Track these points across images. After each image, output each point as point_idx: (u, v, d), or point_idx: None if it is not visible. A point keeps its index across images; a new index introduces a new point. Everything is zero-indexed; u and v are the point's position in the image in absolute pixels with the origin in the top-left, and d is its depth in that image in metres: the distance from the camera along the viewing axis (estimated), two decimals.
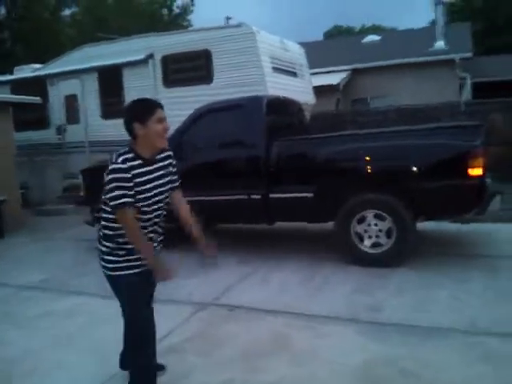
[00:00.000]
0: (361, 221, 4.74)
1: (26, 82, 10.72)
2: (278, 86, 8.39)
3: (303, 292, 4.22)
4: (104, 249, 2.51)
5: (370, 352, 3.04)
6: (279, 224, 5.62)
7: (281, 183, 5.04)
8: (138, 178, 2.37)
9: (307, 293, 4.19)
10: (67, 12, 27.50)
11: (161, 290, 4.39)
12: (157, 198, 2.46)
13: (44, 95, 10.21)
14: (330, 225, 5.02)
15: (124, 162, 2.34)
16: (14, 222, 7.77)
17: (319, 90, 12.70)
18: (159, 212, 2.52)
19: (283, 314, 3.75)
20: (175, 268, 2.53)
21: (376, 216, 4.68)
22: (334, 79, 14.56)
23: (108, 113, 9.76)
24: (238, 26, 8.58)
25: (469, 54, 15.37)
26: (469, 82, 16.28)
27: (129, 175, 2.33)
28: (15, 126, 10.42)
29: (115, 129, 9.50)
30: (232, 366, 2.99)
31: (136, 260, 2.46)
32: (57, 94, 10.34)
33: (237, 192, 5.17)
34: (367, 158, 4.65)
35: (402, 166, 4.59)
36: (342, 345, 3.18)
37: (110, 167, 2.35)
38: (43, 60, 11.84)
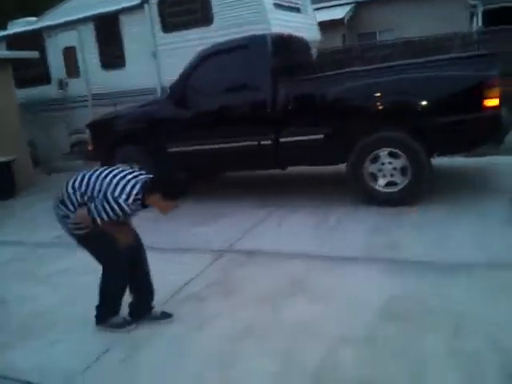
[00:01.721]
0: (374, 160, 4.64)
1: (22, 37, 10.34)
2: (282, 24, 8.02)
3: (319, 234, 4.21)
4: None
5: (391, 289, 3.05)
6: (292, 168, 5.57)
7: (290, 126, 4.90)
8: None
9: (323, 235, 4.18)
10: None
11: (178, 240, 4.51)
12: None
13: (42, 49, 9.89)
14: (343, 167, 4.92)
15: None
16: (25, 181, 7.77)
17: (323, 26, 12.19)
18: None
19: (300, 257, 3.76)
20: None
21: (390, 154, 4.57)
22: (338, 13, 13.97)
23: (108, 63, 9.48)
24: None
25: None
26: (480, 9, 15.48)
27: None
28: (17, 83, 10.26)
29: (116, 80, 9.33)
30: (252, 308, 3.03)
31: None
32: (55, 47, 9.99)
33: (246, 138, 5.05)
34: (377, 95, 4.48)
35: (414, 101, 4.43)
36: (362, 283, 3.19)
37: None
38: (36, 14, 11.39)
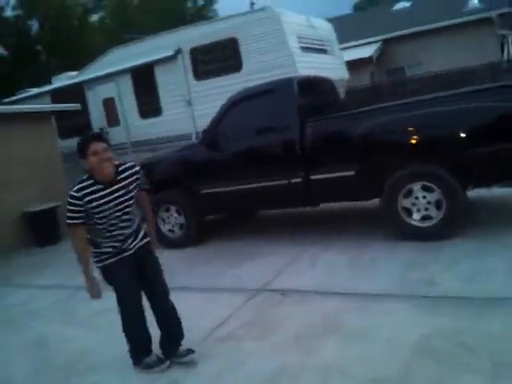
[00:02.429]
0: (407, 194, 4.62)
1: (64, 90, 11.06)
2: (309, 65, 8.27)
3: (353, 272, 4.18)
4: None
5: (426, 327, 2.98)
6: (324, 204, 5.60)
7: (320, 164, 4.97)
8: (92, 202, 2.77)
9: (357, 272, 4.15)
10: (95, 17, 28.16)
11: (214, 280, 4.58)
12: (118, 213, 2.86)
13: (83, 101, 10.50)
14: (376, 202, 4.92)
15: (78, 190, 2.77)
16: None
17: (352, 65, 12.44)
18: (124, 216, 2.90)
19: (335, 296, 3.73)
20: (99, 290, 2.96)
21: (423, 188, 4.54)
22: (366, 52, 14.22)
23: (145, 112, 9.95)
24: (262, 9, 8.50)
25: (506, 9, 14.54)
26: (511, 38, 15.42)
27: (81, 202, 2.76)
28: (60, 134, 10.88)
29: (154, 127, 9.75)
30: (285, 349, 3.02)
31: (105, 253, 2.92)
32: (95, 98, 10.60)
33: (277, 178, 5.15)
34: (409, 129, 4.51)
35: (447, 133, 4.42)
36: (396, 321, 3.13)
37: (69, 192, 2.80)
38: (77, 68, 12.17)
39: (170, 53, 9.20)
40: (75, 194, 2.75)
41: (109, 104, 10.44)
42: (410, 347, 2.78)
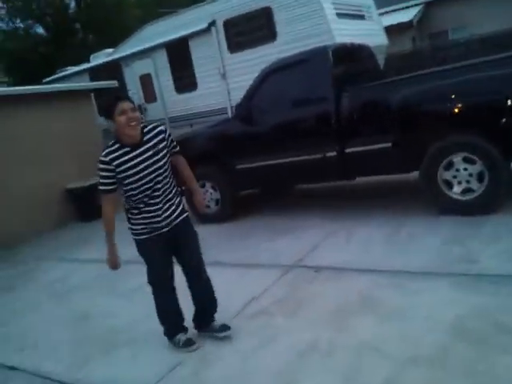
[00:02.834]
0: (448, 167, 4.42)
1: (102, 68, 11.22)
2: (346, 33, 7.98)
3: (390, 248, 4.08)
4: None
5: (463, 306, 2.88)
6: (362, 178, 5.47)
7: (356, 136, 4.82)
8: (121, 166, 2.70)
9: (394, 248, 4.04)
10: None
11: (248, 255, 4.59)
12: (148, 178, 2.75)
13: (121, 78, 10.62)
14: (415, 175, 4.74)
15: (106, 155, 2.71)
16: None
17: (392, 30, 11.92)
18: (156, 185, 2.79)
19: (370, 273, 3.66)
20: (118, 262, 2.95)
21: (465, 159, 4.32)
22: (406, 16, 13.54)
23: (181, 87, 9.95)
24: None
25: None
26: None
27: (110, 167, 2.69)
28: (101, 111, 11.09)
29: (190, 102, 9.76)
30: (318, 326, 3.00)
31: (139, 228, 2.88)
32: (132, 75, 10.69)
33: (312, 151, 5.04)
34: (445, 97, 4.28)
35: (489, 101, 4.17)
36: (432, 301, 3.04)
37: (99, 158, 2.73)
38: (115, 45, 12.27)
39: (204, 26, 9.09)
40: (104, 159, 2.69)
41: (145, 80, 10.50)
42: (447, 327, 2.69)
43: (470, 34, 12.68)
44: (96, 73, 11.22)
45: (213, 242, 5.04)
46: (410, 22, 13.35)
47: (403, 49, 12.35)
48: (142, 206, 2.81)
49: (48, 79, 12.65)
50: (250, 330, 3.14)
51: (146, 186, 2.76)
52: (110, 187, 2.75)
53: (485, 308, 2.82)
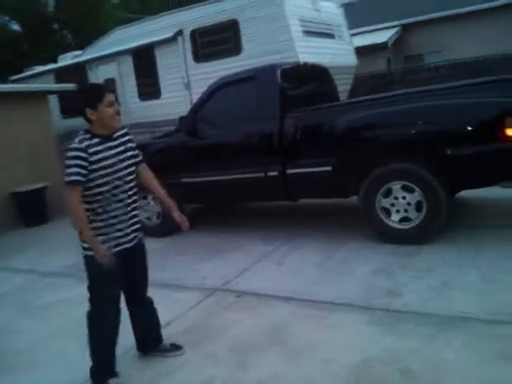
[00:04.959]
0: (387, 194, 4.31)
1: (68, 69, 10.94)
2: (312, 51, 7.90)
3: (319, 274, 3.92)
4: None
5: (374, 348, 2.71)
6: (306, 200, 5.33)
7: (298, 158, 4.67)
8: (97, 155, 2.47)
9: (323, 275, 3.89)
10: None
11: (177, 275, 4.38)
12: (120, 174, 2.55)
13: (85, 80, 10.36)
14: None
15: (81, 141, 2.48)
16: (58, 207, 8.02)
17: (366, 50, 11.95)
18: (127, 185, 2.59)
19: (292, 301, 3.49)
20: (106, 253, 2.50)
21: (404, 188, 4.22)
22: (381, 37, 13.61)
23: (145, 94, 9.75)
24: None
25: None
26: None
27: (85, 154, 2.44)
28: (63, 113, 10.85)
29: (152, 110, 9.55)
30: (220, 361, 2.80)
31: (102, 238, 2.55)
32: (96, 78, 10.42)
33: (253, 169, 4.88)
34: (388, 124, 4.18)
35: (430, 131, 4.08)
36: (344, 339, 2.87)
37: (69, 147, 2.49)
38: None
39: (170, 34, 8.93)
40: (78, 146, 2.44)
41: (110, 85, 10.25)
42: (350, 372, 2.52)
43: (445, 59, 12.81)
44: (61, 74, 10.94)
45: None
46: (385, 43, 13.42)
47: (376, 70, 12.41)
48: (115, 199, 2.54)
49: (14, 77, 12.31)
50: (151, 360, 2.93)
51: (119, 183, 2.54)
52: (82, 178, 2.42)
53: (395, 351, 2.66)
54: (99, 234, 2.53)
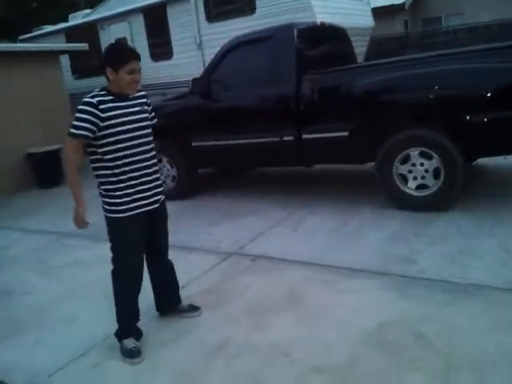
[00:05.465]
0: (404, 161, 4.25)
1: (78, 29, 10.74)
2: (328, 11, 7.66)
3: (334, 240, 3.92)
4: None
5: (389, 312, 2.73)
6: (321, 165, 5.28)
7: (314, 123, 4.60)
8: (108, 112, 2.43)
9: (339, 241, 3.89)
10: None
11: (191, 238, 4.41)
12: (134, 134, 2.50)
13: (96, 40, 10.18)
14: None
15: (93, 97, 2.45)
16: None
17: (383, 12, 11.57)
18: (145, 146, 2.55)
19: (306, 266, 3.50)
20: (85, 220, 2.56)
21: (421, 154, 4.15)
22: None
23: (156, 54, 9.57)
24: None
25: None
26: None
27: (95, 110, 2.40)
28: (74, 73, 10.72)
29: (164, 71, 9.39)
30: (234, 323, 2.84)
31: (122, 202, 2.52)
32: (108, 38, 10.21)
33: (269, 134, 4.82)
34: (407, 88, 4.07)
35: (450, 96, 3.97)
36: (359, 303, 2.89)
37: (81, 101, 2.45)
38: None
39: None
40: (89, 100, 2.40)
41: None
42: (363, 335, 2.54)
43: (465, 22, 12.36)
44: (72, 33, 10.75)
45: None
46: (403, 4, 12.92)
47: (392, 32, 12.02)
48: (129, 170, 2.49)
49: (24, 37, 12.13)
50: (165, 320, 2.98)
51: (135, 143, 2.49)
52: (89, 134, 2.39)
53: (410, 316, 2.67)
54: (121, 197, 2.50)
